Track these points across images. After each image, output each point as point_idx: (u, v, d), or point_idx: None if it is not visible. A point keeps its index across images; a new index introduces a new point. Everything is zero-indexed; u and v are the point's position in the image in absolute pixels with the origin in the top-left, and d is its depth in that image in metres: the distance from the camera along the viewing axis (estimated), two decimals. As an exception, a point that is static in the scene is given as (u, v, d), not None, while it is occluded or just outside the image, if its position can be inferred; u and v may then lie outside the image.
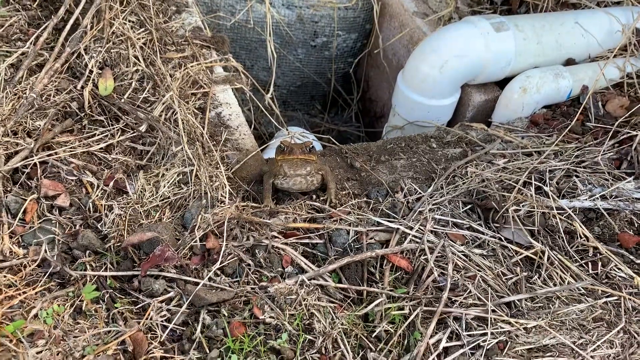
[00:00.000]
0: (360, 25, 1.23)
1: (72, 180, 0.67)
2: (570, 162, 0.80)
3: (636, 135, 0.83)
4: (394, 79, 1.05)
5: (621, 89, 0.96)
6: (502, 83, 0.98)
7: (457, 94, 0.98)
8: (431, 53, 0.94)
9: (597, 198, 0.71)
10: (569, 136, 0.90)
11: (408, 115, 0.99)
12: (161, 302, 0.57)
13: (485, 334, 0.57)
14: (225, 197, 0.66)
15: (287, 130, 1.13)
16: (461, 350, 0.57)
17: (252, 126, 0.99)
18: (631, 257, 0.65)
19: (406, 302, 0.60)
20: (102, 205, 0.65)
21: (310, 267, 0.62)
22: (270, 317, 0.56)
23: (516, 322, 0.58)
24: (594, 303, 0.59)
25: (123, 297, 0.58)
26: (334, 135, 1.39)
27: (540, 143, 0.86)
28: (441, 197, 0.74)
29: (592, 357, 0.57)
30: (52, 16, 0.90)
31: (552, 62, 0.98)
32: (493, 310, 0.59)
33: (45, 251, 0.60)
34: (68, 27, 0.86)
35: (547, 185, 0.71)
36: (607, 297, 0.60)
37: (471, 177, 0.77)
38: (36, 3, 0.98)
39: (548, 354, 0.57)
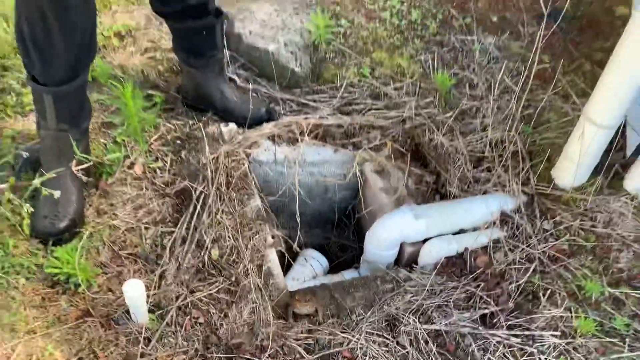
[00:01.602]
0: (353, 187, 2.03)
1: (205, 309, 1.51)
2: (442, 298, 1.59)
3: (480, 284, 1.61)
4: (371, 223, 1.85)
5: (486, 250, 1.73)
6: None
7: (397, 247, 1.78)
8: (382, 228, 1.74)
9: (442, 324, 1.50)
10: (452, 278, 1.68)
11: (371, 258, 1.80)
12: (245, 370, 1.40)
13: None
14: (271, 320, 1.49)
15: (305, 256, 1.96)
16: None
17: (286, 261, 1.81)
18: (450, 357, 1.44)
19: (346, 373, 1.40)
20: (219, 323, 1.48)
21: (305, 355, 1.44)
22: (289, 378, 1.38)
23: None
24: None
25: (230, 367, 1.41)
26: (339, 244, 2.21)
27: (434, 284, 1.65)
28: (373, 317, 1.55)
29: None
30: (184, 208, 1.76)
31: (450, 232, 1.76)
32: (383, 378, 1.39)
33: (197, 345, 1.44)
34: (195, 217, 1.72)
35: (420, 316, 1.51)
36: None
37: (389, 306, 1.57)
38: (174, 192, 1.84)
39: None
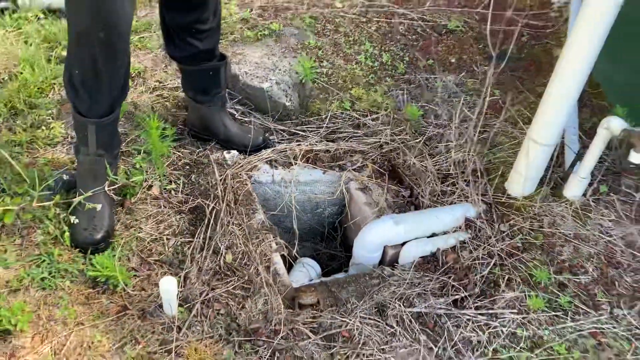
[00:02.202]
0: (340, 203, 2.37)
1: (224, 302, 1.79)
2: (421, 288, 1.92)
3: (450, 276, 1.95)
4: (357, 233, 2.17)
5: (455, 249, 2.08)
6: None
7: (381, 250, 2.10)
8: (368, 233, 2.06)
9: (423, 307, 1.82)
10: (428, 273, 2.01)
11: (359, 260, 2.12)
12: (263, 348, 1.67)
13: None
14: (282, 310, 1.78)
15: (302, 263, 2.26)
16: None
17: (287, 261, 2.11)
18: (430, 332, 1.76)
19: (338, 347, 1.70)
20: (238, 313, 1.76)
21: (311, 335, 1.73)
22: (297, 352, 1.67)
23: None
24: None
25: (251, 343, 1.69)
26: (328, 255, 2.52)
27: (413, 278, 1.98)
28: (365, 305, 1.86)
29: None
30: (198, 222, 2.05)
31: (424, 235, 2.10)
32: None
33: (220, 331, 1.71)
34: (210, 228, 2.01)
35: (403, 302, 1.83)
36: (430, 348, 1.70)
37: (378, 295, 1.89)
38: (188, 209, 2.13)
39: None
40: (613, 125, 1.93)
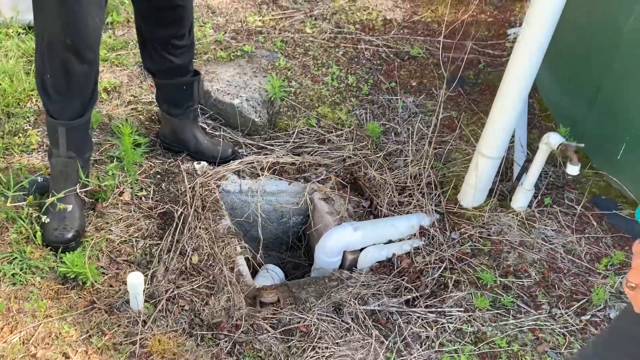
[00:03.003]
0: (304, 212, 2.49)
1: (189, 299, 1.89)
2: (376, 289, 2.04)
3: (404, 278, 2.08)
4: (318, 241, 2.30)
5: (409, 254, 2.21)
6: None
7: (341, 255, 2.22)
8: (329, 239, 2.19)
9: (376, 305, 1.94)
10: (383, 276, 2.14)
11: (320, 265, 2.24)
12: (224, 341, 1.76)
13: None
14: (243, 306, 1.88)
15: (266, 268, 2.37)
16: None
17: (251, 267, 2.22)
18: (382, 328, 1.87)
19: (295, 340, 1.80)
20: (201, 309, 1.86)
21: (270, 330, 1.83)
22: (256, 344, 1.76)
23: None
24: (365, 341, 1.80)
25: (213, 337, 1.78)
26: (292, 263, 2.63)
27: (369, 280, 2.10)
28: (323, 304, 1.97)
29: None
30: (167, 226, 2.15)
31: (381, 241, 2.23)
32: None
33: (184, 325, 1.80)
34: (178, 232, 2.11)
35: (359, 300, 1.95)
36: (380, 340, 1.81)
37: (335, 295, 2.00)
38: (157, 214, 2.23)
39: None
40: (552, 140, 2.11)
